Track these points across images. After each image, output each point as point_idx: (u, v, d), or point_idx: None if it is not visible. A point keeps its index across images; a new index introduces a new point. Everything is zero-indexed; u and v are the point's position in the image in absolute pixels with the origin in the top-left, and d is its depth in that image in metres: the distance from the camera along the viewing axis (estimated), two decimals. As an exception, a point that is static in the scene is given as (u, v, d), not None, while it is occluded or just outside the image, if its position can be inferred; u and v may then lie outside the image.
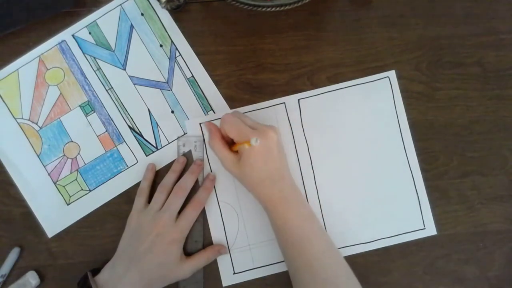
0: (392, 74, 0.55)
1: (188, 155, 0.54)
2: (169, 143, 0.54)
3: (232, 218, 0.53)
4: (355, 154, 0.54)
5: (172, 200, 0.50)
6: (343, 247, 0.53)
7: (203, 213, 0.53)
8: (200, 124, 0.54)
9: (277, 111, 0.54)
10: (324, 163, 0.54)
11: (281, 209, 0.48)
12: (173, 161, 0.54)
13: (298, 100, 0.54)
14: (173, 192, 0.51)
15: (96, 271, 0.50)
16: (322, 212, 0.53)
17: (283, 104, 0.54)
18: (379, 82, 0.55)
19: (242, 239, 0.53)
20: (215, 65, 0.55)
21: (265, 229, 0.53)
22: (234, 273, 0.53)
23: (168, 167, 0.54)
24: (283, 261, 0.52)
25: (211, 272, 0.53)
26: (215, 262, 0.53)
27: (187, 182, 0.52)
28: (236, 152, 0.49)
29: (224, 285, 0.52)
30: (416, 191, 0.54)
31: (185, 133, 0.54)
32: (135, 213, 0.51)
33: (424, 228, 0.53)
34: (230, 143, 0.50)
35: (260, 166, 0.47)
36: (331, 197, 0.53)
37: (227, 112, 0.50)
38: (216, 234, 0.53)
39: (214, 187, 0.53)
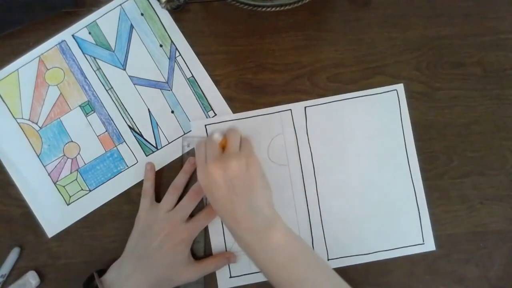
0: (400, 87, 0.54)
1: (191, 155, 0.54)
2: (169, 143, 0.54)
3: None
4: (359, 166, 0.54)
5: (185, 202, 0.50)
6: (341, 257, 0.53)
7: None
8: (205, 126, 0.54)
9: (283, 118, 0.54)
10: (327, 172, 0.54)
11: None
12: (173, 161, 0.54)
13: (305, 108, 0.54)
14: (188, 196, 0.51)
15: (101, 272, 0.50)
16: (322, 221, 0.53)
17: (289, 111, 0.54)
18: (386, 94, 0.54)
19: None
20: (215, 65, 0.55)
21: None
22: (231, 277, 0.52)
23: (168, 167, 0.54)
24: None
25: (208, 274, 0.52)
26: (214, 263, 0.53)
27: None
28: None
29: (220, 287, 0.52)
30: (418, 206, 0.53)
31: (185, 133, 0.54)
32: (142, 213, 0.51)
33: (423, 243, 0.53)
34: None
35: None
36: (332, 206, 0.53)
37: None
38: (215, 236, 0.53)
39: None
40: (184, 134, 0.54)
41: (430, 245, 0.53)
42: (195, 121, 0.54)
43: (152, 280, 0.48)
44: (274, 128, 0.54)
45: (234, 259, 0.52)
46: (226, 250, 0.53)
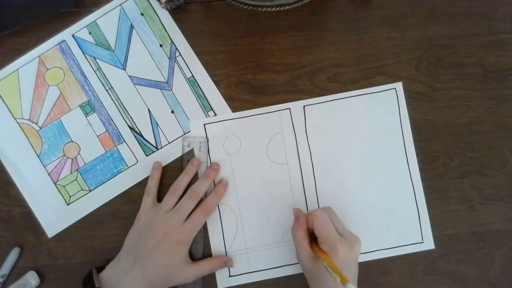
0: (399, 86, 0.54)
1: (191, 155, 0.54)
2: (169, 143, 0.54)
3: (231, 221, 0.53)
4: (357, 164, 0.54)
5: (184, 202, 0.51)
6: None
7: (203, 213, 0.53)
8: (204, 125, 0.54)
9: (282, 116, 0.54)
10: (326, 171, 0.54)
11: None
12: (173, 160, 0.54)
13: (304, 106, 0.54)
14: (187, 195, 0.51)
15: (101, 270, 0.50)
16: None
17: (288, 109, 0.54)
18: (385, 93, 0.54)
19: (239, 242, 0.53)
20: (215, 65, 0.55)
21: (263, 234, 0.53)
22: (230, 276, 0.53)
23: (168, 167, 0.54)
24: (279, 266, 0.53)
25: (207, 274, 0.52)
26: (214, 262, 0.53)
27: (201, 186, 0.52)
28: (316, 247, 0.46)
29: (219, 287, 0.52)
30: (417, 205, 0.53)
31: (185, 133, 0.54)
32: (143, 211, 0.51)
33: (422, 242, 0.53)
34: (311, 235, 0.47)
35: None
36: (331, 205, 0.53)
37: (322, 208, 0.48)
38: (214, 235, 0.53)
39: None
40: (184, 134, 0.54)
41: (429, 244, 0.53)
42: (193, 120, 0.54)
43: (148, 279, 0.48)
44: (273, 127, 0.54)
45: (231, 263, 0.52)
46: (225, 251, 0.53)
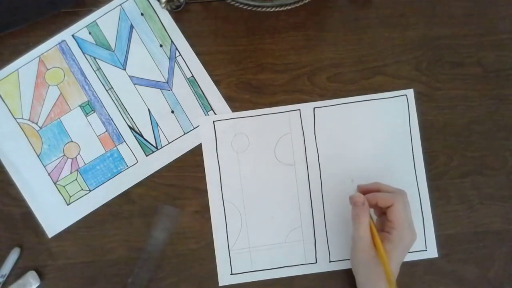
0: (410, 92, 0.54)
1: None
2: (169, 143, 0.54)
3: (235, 219, 0.53)
4: (365, 169, 0.53)
5: None
6: (343, 260, 0.53)
7: (207, 212, 0.53)
8: (213, 122, 0.54)
9: (291, 117, 0.54)
10: (333, 174, 0.54)
11: None
12: (173, 160, 0.54)
13: (314, 108, 0.54)
14: None
15: None
16: (325, 222, 0.53)
17: (298, 111, 0.54)
18: (396, 99, 0.54)
19: (243, 241, 0.53)
20: (215, 65, 0.55)
21: (267, 233, 0.53)
22: (232, 274, 0.53)
23: (168, 167, 0.54)
24: (281, 267, 0.53)
25: (209, 271, 0.53)
26: (213, 261, 0.53)
27: None
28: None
29: (220, 284, 0.52)
30: (422, 212, 0.53)
31: (185, 133, 0.54)
32: None
33: (426, 250, 0.53)
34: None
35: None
36: (337, 208, 0.53)
37: (398, 190, 0.48)
38: (218, 233, 0.53)
39: (221, 185, 0.53)
40: (184, 134, 0.54)
41: (432, 252, 0.53)
42: (203, 117, 0.54)
43: None
44: (282, 127, 0.54)
45: None
46: (228, 249, 0.53)
